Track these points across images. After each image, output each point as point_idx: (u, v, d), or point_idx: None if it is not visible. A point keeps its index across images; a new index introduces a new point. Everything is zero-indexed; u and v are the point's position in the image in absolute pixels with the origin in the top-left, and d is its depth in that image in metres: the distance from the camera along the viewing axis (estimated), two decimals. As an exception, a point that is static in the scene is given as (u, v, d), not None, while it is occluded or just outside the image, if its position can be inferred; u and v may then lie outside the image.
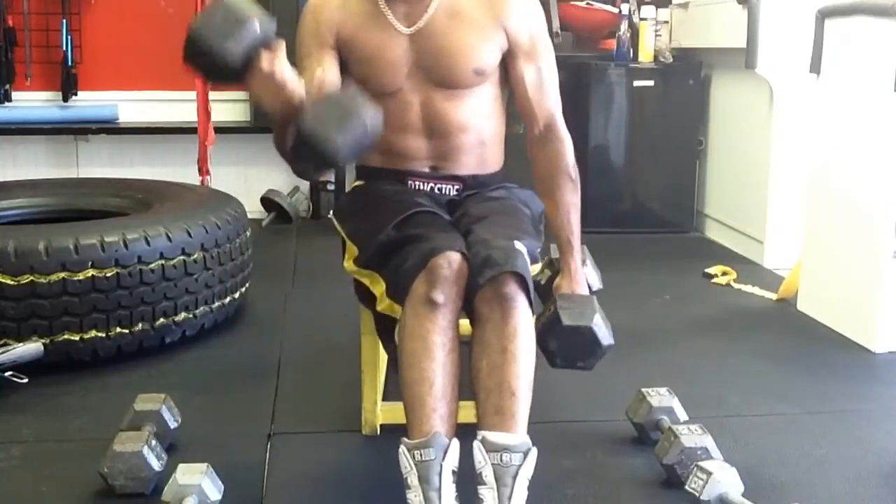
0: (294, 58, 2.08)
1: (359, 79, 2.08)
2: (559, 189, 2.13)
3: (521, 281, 1.84)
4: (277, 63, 1.75)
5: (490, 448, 1.74)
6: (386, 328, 2.05)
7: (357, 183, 2.23)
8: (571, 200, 2.13)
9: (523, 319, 1.85)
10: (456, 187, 2.12)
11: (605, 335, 2.03)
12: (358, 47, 2.09)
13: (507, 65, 2.13)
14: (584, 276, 2.14)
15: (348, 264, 2.10)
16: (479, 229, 1.95)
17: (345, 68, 2.12)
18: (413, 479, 1.72)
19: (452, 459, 1.74)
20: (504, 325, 1.83)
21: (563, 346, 2.02)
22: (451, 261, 1.84)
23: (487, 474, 1.72)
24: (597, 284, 2.16)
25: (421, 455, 1.73)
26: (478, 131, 2.13)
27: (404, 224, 1.96)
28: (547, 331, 2.02)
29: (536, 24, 2.13)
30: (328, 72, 2.08)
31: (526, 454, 1.75)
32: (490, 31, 2.08)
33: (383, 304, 1.98)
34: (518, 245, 1.88)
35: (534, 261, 1.99)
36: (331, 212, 2.29)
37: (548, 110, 2.14)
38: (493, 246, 1.87)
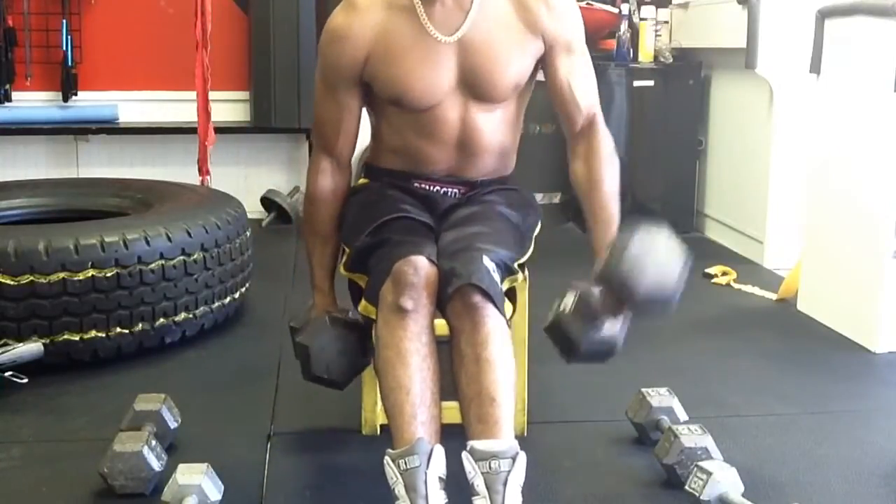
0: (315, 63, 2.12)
1: (391, 99, 2.04)
2: (605, 178, 2.08)
3: (486, 292, 1.83)
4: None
5: (478, 457, 1.72)
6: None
7: (357, 184, 2.21)
8: (614, 190, 2.08)
9: (494, 325, 1.83)
10: (462, 190, 2.11)
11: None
12: (394, 66, 2.01)
13: (544, 64, 2.08)
14: None
15: (340, 267, 2.12)
16: (448, 238, 1.96)
17: (371, 90, 2.07)
18: (400, 489, 1.71)
19: (438, 466, 1.73)
20: (475, 334, 1.82)
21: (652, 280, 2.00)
22: (416, 266, 1.84)
23: (479, 484, 1.70)
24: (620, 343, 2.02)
25: (406, 463, 1.72)
26: (503, 144, 2.11)
27: (379, 230, 1.97)
28: (634, 267, 1.96)
29: (576, 26, 2.09)
30: (349, 116, 2.10)
31: (514, 458, 1.73)
32: (528, 40, 2.04)
33: (361, 305, 1.99)
34: (485, 259, 1.86)
35: (510, 272, 1.96)
36: None
37: (589, 101, 2.13)
38: (456, 258, 1.87)
